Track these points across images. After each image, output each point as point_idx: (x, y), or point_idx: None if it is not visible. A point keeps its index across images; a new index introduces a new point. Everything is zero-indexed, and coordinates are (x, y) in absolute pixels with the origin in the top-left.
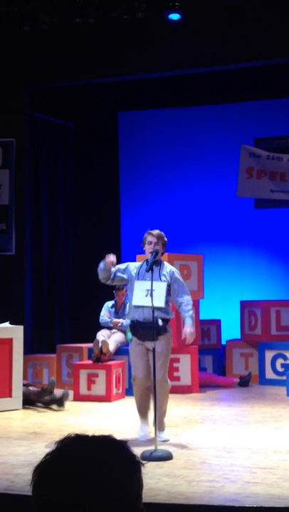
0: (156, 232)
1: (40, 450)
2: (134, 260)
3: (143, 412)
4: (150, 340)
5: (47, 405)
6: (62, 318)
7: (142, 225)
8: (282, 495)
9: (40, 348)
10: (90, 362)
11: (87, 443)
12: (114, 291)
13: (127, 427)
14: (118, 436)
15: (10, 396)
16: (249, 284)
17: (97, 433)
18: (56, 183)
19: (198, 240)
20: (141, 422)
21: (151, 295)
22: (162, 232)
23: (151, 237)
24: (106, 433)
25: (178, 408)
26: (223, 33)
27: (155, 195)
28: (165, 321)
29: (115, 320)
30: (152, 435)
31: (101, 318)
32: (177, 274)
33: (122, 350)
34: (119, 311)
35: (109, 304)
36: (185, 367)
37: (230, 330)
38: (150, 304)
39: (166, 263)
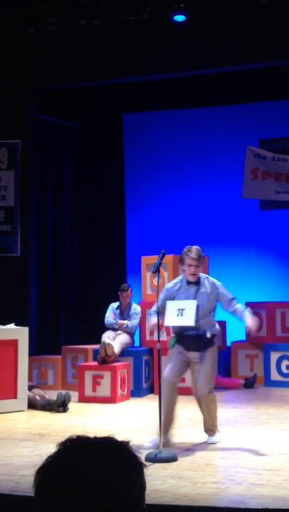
0: (195, 253)
1: (45, 451)
2: (139, 261)
3: (165, 425)
4: (196, 351)
5: (50, 411)
6: (67, 320)
7: (147, 226)
8: (287, 497)
9: (46, 349)
10: (95, 363)
11: (89, 445)
12: (118, 292)
13: (132, 428)
14: (122, 438)
15: (15, 397)
16: (254, 286)
17: (102, 434)
18: (61, 184)
19: (203, 241)
20: (157, 434)
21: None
22: (199, 249)
23: (191, 260)
24: (110, 434)
25: (183, 410)
26: (228, 34)
27: (160, 196)
28: (212, 335)
29: (120, 321)
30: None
31: (106, 319)
32: (222, 289)
33: (127, 352)
34: (124, 313)
35: (115, 305)
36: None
37: (235, 331)
38: (182, 324)
39: (207, 279)
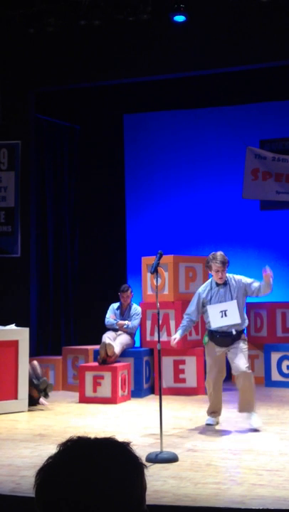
0: (220, 259)
1: (45, 452)
2: (139, 262)
3: (214, 412)
4: (226, 347)
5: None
6: (67, 320)
7: (148, 226)
8: (288, 497)
9: (46, 349)
10: (96, 364)
11: (90, 445)
12: (118, 293)
13: (133, 429)
14: (123, 439)
15: (16, 398)
16: None
17: (102, 435)
18: (62, 185)
19: (203, 241)
20: (209, 417)
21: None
22: (223, 254)
23: (218, 267)
24: (110, 435)
25: (183, 410)
26: (228, 34)
27: (160, 196)
28: (239, 331)
29: (121, 322)
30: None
31: (107, 320)
32: (244, 279)
33: (127, 352)
34: (124, 313)
35: (115, 305)
36: (190, 369)
37: None
38: (226, 324)
39: (233, 278)
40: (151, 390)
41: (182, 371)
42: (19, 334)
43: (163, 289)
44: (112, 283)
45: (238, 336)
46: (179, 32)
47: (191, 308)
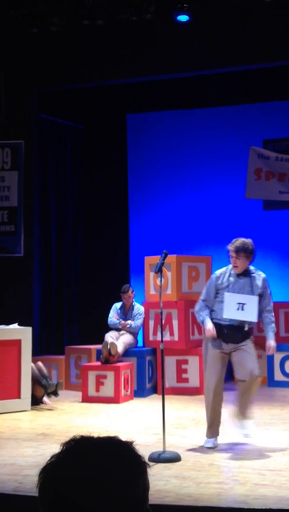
0: (235, 244)
1: (48, 451)
2: (142, 261)
3: (214, 427)
4: (233, 343)
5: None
6: (70, 320)
7: (151, 226)
8: None
9: (49, 349)
10: (99, 363)
11: (93, 444)
12: (120, 294)
13: (135, 428)
14: (126, 438)
15: (18, 397)
16: None
17: (105, 434)
18: (65, 185)
19: (206, 241)
20: (207, 437)
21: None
22: (246, 241)
23: (231, 251)
24: (113, 434)
25: (186, 410)
26: (232, 34)
27: (163, 196)
28: (250, 328)
29: (123, 322)
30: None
31: (109, 319)
32: (264, 290)
33: (130, 352)
34: (127, 313)
35: (118, 305)
36: (193, 369)
37: None
38: (242, 319)
39: (259, 275)
40: (154, 390)
41: (185, 371)
42: (22, 334)
43: (166, 288)
44: (114, 282)
45: (248, 334)
46: (183, 31)
47: (208, 295)
